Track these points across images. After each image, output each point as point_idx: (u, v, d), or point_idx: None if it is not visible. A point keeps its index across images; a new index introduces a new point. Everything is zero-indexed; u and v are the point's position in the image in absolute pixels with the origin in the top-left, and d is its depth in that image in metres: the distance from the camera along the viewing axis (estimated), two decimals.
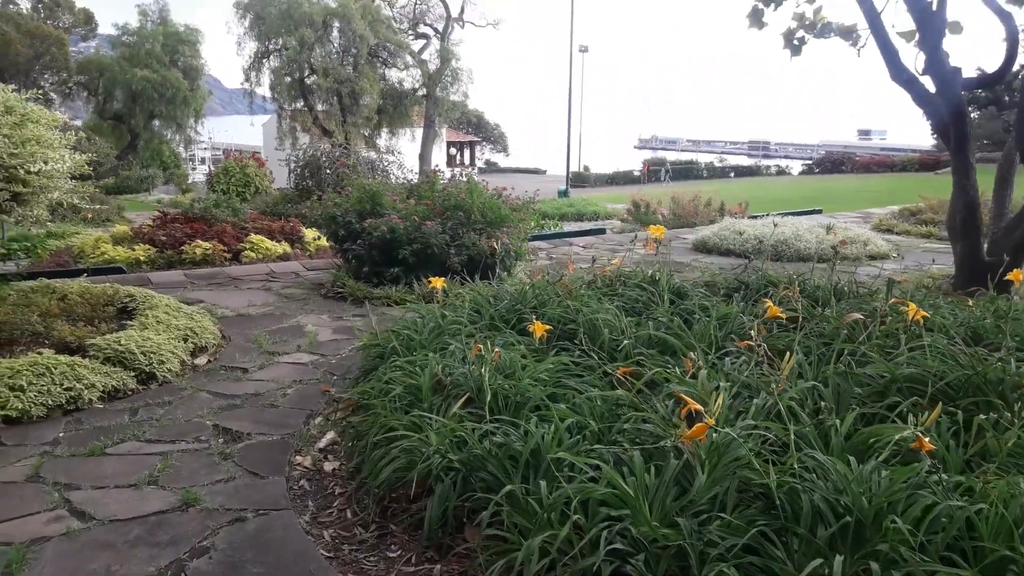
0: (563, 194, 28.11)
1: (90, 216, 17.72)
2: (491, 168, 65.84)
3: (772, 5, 8.84)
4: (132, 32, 39.15)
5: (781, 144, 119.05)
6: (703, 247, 9.94)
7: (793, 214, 14.52)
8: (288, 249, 10.85)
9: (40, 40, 39.68)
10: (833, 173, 57.04)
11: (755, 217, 13.89)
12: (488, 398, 3.22)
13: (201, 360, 5.22)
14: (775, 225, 9.69)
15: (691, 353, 3.53)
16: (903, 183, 36.22)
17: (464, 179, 8.27)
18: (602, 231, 11.94)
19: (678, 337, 3.99)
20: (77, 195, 5.57)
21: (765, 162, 76.43)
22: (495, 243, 7.16)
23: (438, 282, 5.13)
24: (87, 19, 45.43)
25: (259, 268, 8.85)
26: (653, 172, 56.23)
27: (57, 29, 42.29)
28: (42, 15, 43.27)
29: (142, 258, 9.94)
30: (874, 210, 17.14)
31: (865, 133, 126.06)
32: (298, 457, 3.72)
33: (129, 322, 5.46)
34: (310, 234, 11.80)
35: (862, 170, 57.83)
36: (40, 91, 5.65)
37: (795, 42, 9.00)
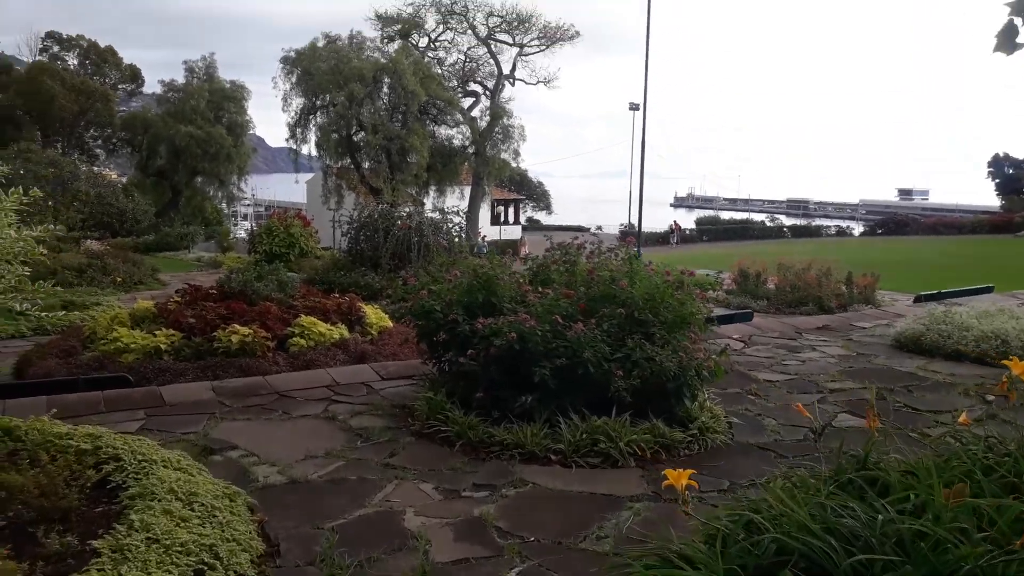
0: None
1: (119, 280, 15.61)
2: (533, 226, 64.03)
3: None
4: (178, 88, 38.39)
5: (820, 203, 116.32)
6: (914, 346, 7.26)
7: (961, 293, 11.76)
8: (346, 334, 8.41)
9: (86, 96, 39.04)
10: (897, 235, 54.10)
11: (928, 298, 11.17)
12: None
13: None
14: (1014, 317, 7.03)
15: None
16: (1008, 248, 32.90)
17: (613, 255, 5.76)
18: (749, 315, 9.32)
19: None
20: (23, 296, 3.19)
21: (805, 222, 73.53)
22: (700, 352, 4.65)
23: (679, 477, 2.58)
24: (133, 75, 44.87)
25: (316, 376, 6.37)
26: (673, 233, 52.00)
27: (103, 85, 41.68)
28: (89, 71, 42.72)
29: (163, 346, 7.56)
30: None
31: (906, 193, 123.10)
32: None
33: (101, 537, 2.95)
34: (371, 313, 9.37)
35: (928, 231, 55.01)
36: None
37: None
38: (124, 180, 38.47)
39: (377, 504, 3.81)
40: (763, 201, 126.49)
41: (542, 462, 4.38)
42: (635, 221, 51.45)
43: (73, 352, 7.93)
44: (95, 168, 35.81)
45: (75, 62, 43.34)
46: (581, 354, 4.68)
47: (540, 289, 5.36)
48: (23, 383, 6.13)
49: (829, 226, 65.81)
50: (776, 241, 51.86)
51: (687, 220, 70.09)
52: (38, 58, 42.67)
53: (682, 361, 4.67)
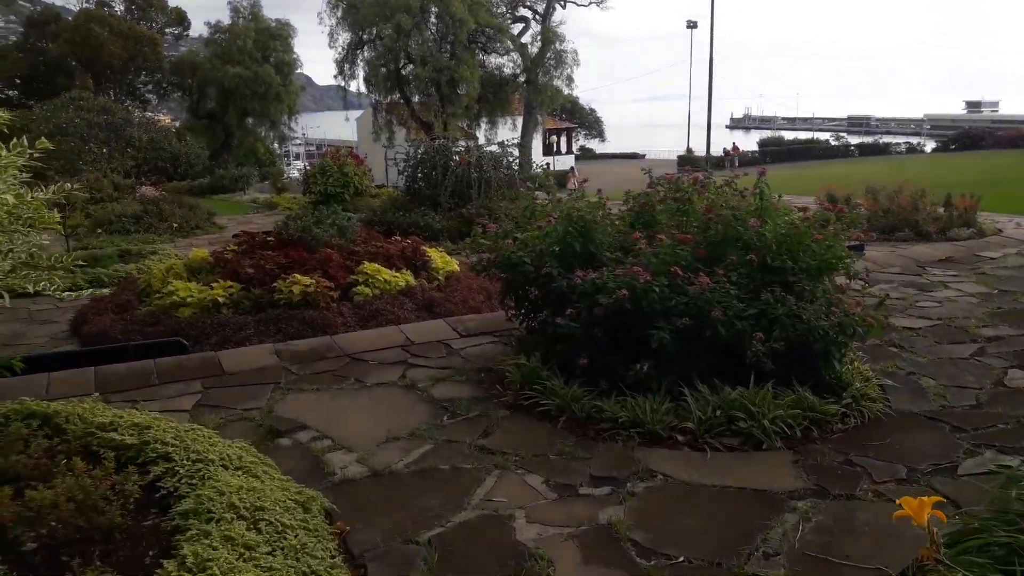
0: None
1: (176, 225, 15.21)
2: (586, 155, 62.39)
3: None
4: (224, 29, 37.73)
5: (883, 120, 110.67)
6: None
7: None
8: (412, 280, 7.77)
9: (134, 41, 38.58)
10: (972, 150, 50.92)
11: None
12: None
13: None
14: None
15: None
16: None
17: (735, 187, 4.87)
18: (860, 248, 8.33)
19: None
20: (38, 273, 2.54)
21: (872, 139, 69.77)
22: (856, 305, 3.86)
23: (920, 508, 1.82)
24: (180, 18, 44.19)
25: (388, 335, 5.72)
26: (728, 157, 46.34)
27: (150, 30, 41.19)
28: (136, 16, 42.21)
29: (221, 299, 7.04)
30: None
31: (975, 105, 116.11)
32: None
33: (158, 563, 2.34)
34: (436, 256, 8.69)
35: (1007, 145, 51.47)
36: None
37: None
38: (177, 124, 38.38)
39: (479, 505, 3.15)
40: (823, 119, 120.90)
41: (667, 444, 3.64)
42: (694, 146, 49.57)
43: (128, 307, 7.51)
44: (147, 113, 35.60)
45: (121, 7, 42.82)
46: (708, 312, 3.88)
47: (647, 234, 4.53)
48: (70, 352, 5.63)
49: (899, 143, 62.32)
50: (844, 161, 49.37)
51: (747, 142, 67.23)
52: (85, 6, 42.30)
53: (835, 317, 3.84)
